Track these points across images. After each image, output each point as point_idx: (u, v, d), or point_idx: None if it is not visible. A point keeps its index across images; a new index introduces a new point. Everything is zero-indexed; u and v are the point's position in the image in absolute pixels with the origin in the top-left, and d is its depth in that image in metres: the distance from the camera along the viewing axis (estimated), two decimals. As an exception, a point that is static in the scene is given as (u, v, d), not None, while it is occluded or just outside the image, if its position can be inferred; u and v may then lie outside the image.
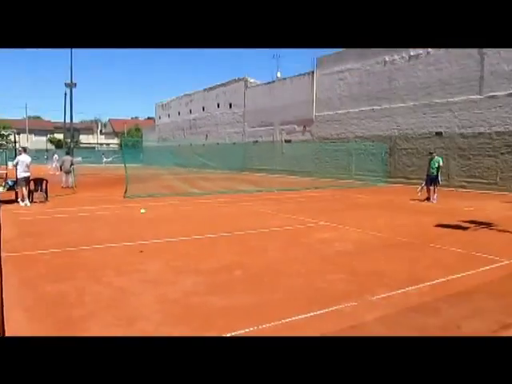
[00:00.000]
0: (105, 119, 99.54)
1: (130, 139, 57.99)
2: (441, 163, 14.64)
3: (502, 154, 18.47)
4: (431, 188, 14.59)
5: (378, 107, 24.30)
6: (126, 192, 15.05)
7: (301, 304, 4.43)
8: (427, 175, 14.76)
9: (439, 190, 14.96)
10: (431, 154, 15.07)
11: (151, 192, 16.24)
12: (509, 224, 9.60)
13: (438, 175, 14.45)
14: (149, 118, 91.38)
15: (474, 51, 19.31)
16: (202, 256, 6.56)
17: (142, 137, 63.25)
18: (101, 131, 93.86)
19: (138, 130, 78.01)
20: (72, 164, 19.14)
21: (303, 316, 4.06)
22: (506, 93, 18.24)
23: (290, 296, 4.71)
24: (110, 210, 11.96)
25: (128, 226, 9.40)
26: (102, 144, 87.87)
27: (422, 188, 14.96)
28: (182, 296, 4.66)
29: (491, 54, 18.70)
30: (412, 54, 22.26)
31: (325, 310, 4.21)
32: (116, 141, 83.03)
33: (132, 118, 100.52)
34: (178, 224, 9.66)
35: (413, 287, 4.98)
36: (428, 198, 14.57)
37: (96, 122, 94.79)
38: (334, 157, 27.20)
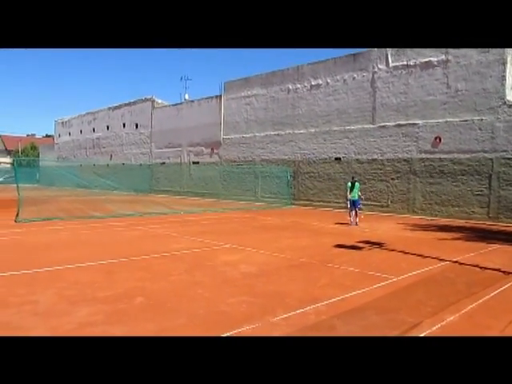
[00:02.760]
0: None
1: (25, 158, 53.78)
2: (359, 188, 14.97)
3: (392, 179, 20.24)
4: (353, 212, 14.83)
5: (283, 132, 25.37)
6: (17, 216, 13.84)
7: (202, 329, 4.40)
8: (351, 200, 14.86)
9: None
10: (354, 179, 15.39)
11: (47, 215, 15.12)
12: (397, 244, 10.49)
13: (359, 199, 14.84)
14: (47, 136, 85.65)
15: (367, 84, 21.15)
16: (101, 283, 6.23)
17: (38, 155, 59.02)
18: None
19: (34, 148, 72.52)
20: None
21: (204, 341, 4.03)
22: (394, 123, 20.13)
23: (192, 321, 4.65)
24: (-3, 236, 10.90)
25: (17, 253, 8.63)
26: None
27: (350, 213, 15.02)
28: (76, 327, 4.37)
29: (381, 87, 20.61)
30: (313, 83, 23.69)
31: (225, 334, 4.22)
32: (9, 159, 76.35)
33: (28, 136, 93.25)
34: (75, 249, 9.08)
35: (311, 306, 5.20)
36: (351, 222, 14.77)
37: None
38: (241, 179, 27.73)
